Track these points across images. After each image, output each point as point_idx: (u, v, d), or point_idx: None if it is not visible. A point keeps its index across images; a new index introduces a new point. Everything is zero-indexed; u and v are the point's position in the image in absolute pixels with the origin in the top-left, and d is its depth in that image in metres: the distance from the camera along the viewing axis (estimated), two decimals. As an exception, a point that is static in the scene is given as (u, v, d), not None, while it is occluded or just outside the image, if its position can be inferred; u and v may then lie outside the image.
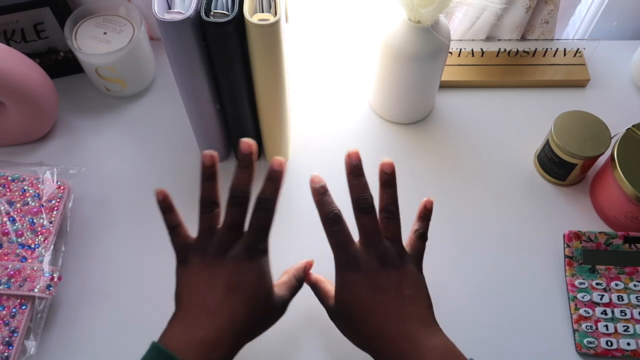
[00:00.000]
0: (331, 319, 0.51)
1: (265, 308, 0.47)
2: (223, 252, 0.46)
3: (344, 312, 0.48)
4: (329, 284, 0.52)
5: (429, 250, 0.63)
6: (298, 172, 0.67)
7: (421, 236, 0.51)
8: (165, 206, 0.48)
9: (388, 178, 0.48)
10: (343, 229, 0.47)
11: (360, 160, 0.48)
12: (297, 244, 0.62)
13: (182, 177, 0.67)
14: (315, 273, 0.54)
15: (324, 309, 0.52)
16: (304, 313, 0.58)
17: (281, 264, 0.61)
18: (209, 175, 0.46)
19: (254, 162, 0.46)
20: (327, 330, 0.56)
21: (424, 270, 0.50)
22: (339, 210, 0.48)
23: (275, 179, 0.46)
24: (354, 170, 0.48)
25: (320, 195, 0.48)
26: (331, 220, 0.47)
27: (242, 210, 0.46)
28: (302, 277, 0.52)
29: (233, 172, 0.46)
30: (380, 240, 0.47)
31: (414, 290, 0.47)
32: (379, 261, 0.47)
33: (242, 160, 0.46)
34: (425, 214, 0.51)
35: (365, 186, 0.48)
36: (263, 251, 0.48)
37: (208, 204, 0.47)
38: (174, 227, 0.48)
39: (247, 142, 0.46)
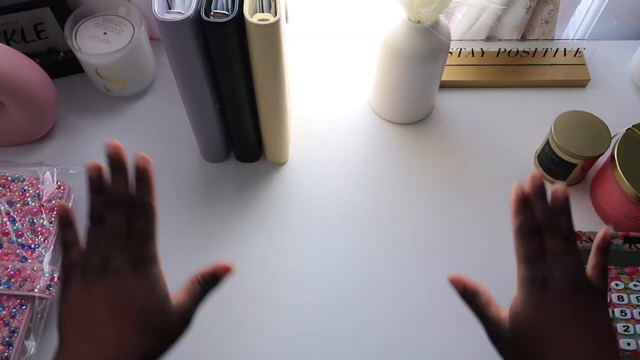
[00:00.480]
0: (494, 341, 0.43)
1: (161, 325, 0.41)
2: (104, 268, 0.40)
3: (521, 334, 0.41)
4: (493, 301, 0.44)
5: (429, 250, 0.63)
6: (298, 172, 0.67)
7: (603, 270, 0.43)
8: (67, 221, 0.44)
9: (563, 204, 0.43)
10: (536, 242, 0.42)
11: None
12: (297, 243, 0.62)
13: (182, 177, 0.67)
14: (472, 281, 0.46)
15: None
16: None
17: (281, 264, 0.61)
18: (94, 186, 0.43)
19: (125, 164, 0.43)
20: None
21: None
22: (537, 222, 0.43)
23: (144, 178, 0.42)
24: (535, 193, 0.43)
25: (520, 200, 0.43)
26: (525, 232, 0.42)
27: (122, 217, 0.42)
28: (210, 281, 0.44)
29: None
30: (568, 255, 0.41)
31: (607, 331, 0.40)
32: (574, 286, 0.40)
33: (111, 164, 0.43)
34: (603, 246, 0.44)
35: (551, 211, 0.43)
36: (150, 259, 0.42)
37: (95, 218, 0.43)
38: (67, 244, 0.43)
39: (112, 144, 0.42)
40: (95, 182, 0.43)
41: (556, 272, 0.41)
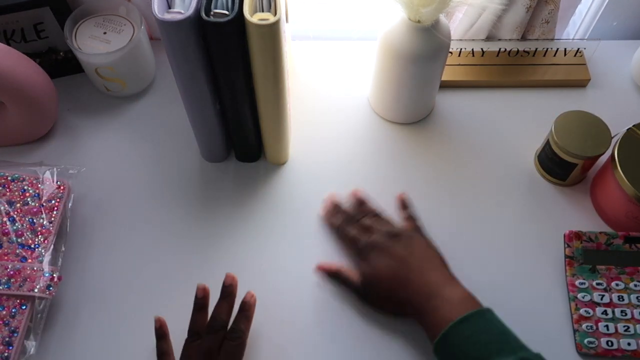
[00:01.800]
0: (362, 300, 0.57)
1: None
2: None
3: (373, 286, 0.56)
4: (350, 271, 0.58)
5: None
6: (298, 172, 0.67)
7: (411, 217, 0.60)
8: (161, 333, 0.52)
9: (361, 201, 0.63)
10: (350, 231, 0.59)
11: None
12: (297, 243, 0.62)
13: (182, 177, 0.67)
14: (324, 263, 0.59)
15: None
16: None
17: (282, 264, 0.61)
18: (200, 306, 0.53)
19: (234, 293, 0.54)
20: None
21: None
22: (342, 222, 0.61)
23: (246, 310, 0.53)
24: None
25: (329, 214, 0.62)
26: (342, 225, 0.60)
27: (218, 337, 0.51)
28: None
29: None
30: (382, 228, 0.58)
31: (426, 251, 0.56)
32: (389, 238, 0.57)
33: (224, 291, 0.53)
34: (403, 205, 0.62)
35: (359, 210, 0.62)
36: None
37: (193, 333, 0.52)
38: (162, 353, 0.52)
39: (231, 276, 0.54)
40: (201, 301, 0.53)
41: (374, 237, 0.57)
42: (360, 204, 0.62)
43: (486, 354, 0.47)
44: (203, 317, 0.53)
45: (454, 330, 0.49)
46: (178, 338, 0.52)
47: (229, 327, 0.52)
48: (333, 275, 0.58)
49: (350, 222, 0.60)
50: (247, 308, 0.53)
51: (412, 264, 0.54)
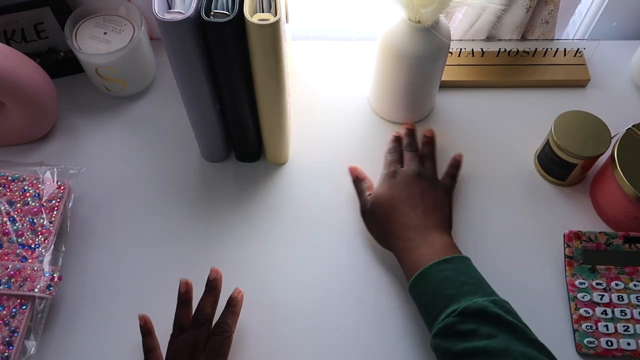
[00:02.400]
0: (362, 212, 0.61)
1: None
2: None
3: (377, 204, 0.59)
4: (372, 187, 0.62)
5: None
6: (298, 172, 0.67)
7: (452, 176, 0.64)
8: (146, 330, 0.53)
9: (422, 138, 0.67)
10: (395, 155, 0.64)
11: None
12: (297, 243, 0.62)
13: (182, 177, 0.67)
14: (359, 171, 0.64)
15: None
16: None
17: (281, 264, 0.61)
18: (183, 300, 0.53)
19: (219, 287, 0.54)
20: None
21: None
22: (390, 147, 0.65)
23: (233, 306, 0.53)
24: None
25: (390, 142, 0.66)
26: (390, 150, 0.64)
27: (203, 331, 0.51)
28: None
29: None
30: (420, 162, 0.62)
31: (438, 205, 0.58)
32: (416, 175, 0.60)
33: (208, 285, 0.54)
34: (454, 164, 0.65)
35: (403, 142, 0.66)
36: None
37: (178, 327, 0.52)
38: (149, 350, 0.52)
39: (215, 270, 0.54)
40: (184, 296, 0.53)
41: (405, 168, 0.61)
42: (410, 135, 0.66)
43: (460, 293, 0.49)
44: (187, 311, 0.53)
45: (433, 268, 0.51)
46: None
47: (215, 322, 0.52)
48: (356, 181, 0.63)
49: (396, 150, 0.64)
50: (234, 304, 0.53)
51: (418, 205, 0.57)
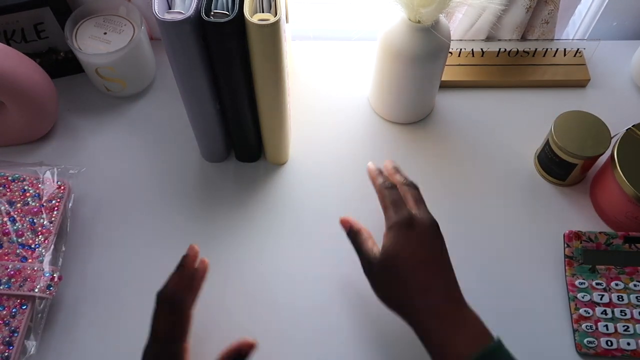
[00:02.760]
0: (367, 271, 0.52)
1: None
2: None
3: (392, 264, 0.49)
4: (372, 239, 0.54)
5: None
6: (298, 172, 0.67)
7: (410, 184, 0.55)
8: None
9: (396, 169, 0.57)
10: (397, 193, 0.53)
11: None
12: (297, 243, 0.62)
13: (182, 177, 0.67)
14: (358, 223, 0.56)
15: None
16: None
17: (281, 264, 0.61)
18: (179, 264, 0.52)
19: (188, 265, 0.52)
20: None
21: None
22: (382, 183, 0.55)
23: (199, 279, 0.52)
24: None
25: (378, 175, 0.55)
26: (388, 185, 0.53)
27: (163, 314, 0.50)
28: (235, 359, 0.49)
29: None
30: (416, 210, 0.52)
31: (444, 255, 0.50)
32: (434, 225, 0.51)
33: (181, 261, 0.52)
34: (395, 169, 0.57)
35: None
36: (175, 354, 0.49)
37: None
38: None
39: (192, 247, 0.53)
40: (183, 259, 0.53)
41: (419, 215, 0.51)
42: (398, 169, 0.57)
43: None
44: (180, 277, 0.52)
45: None
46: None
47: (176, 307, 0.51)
48: (352, 234, 0.54)
49: (393, 186, 0.54)
50: (200, 279, 0.53)
51: (444, 267, 0.49)
